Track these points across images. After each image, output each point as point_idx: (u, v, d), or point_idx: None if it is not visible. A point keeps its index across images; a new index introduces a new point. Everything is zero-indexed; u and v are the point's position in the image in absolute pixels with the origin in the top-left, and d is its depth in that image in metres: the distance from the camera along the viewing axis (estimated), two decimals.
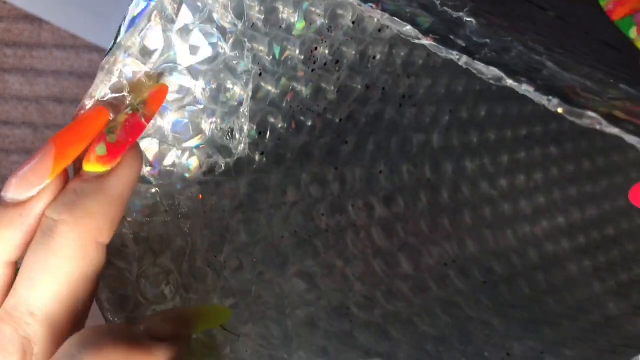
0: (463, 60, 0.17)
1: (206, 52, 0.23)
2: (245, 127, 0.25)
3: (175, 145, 0.24)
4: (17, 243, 0.21)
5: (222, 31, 0.23)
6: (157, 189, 0.24)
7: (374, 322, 0.27)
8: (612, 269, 0.38)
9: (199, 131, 0.24)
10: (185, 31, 0.22)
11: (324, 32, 0.25)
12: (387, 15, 0.17)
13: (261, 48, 0.24)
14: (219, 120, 0.24)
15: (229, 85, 0.24)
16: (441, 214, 0.33)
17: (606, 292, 0.35)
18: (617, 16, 0.20)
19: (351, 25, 0.26)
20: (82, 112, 0.21)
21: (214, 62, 0.23)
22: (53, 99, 0.42)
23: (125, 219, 0.24)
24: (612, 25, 0.23)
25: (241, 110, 0.25)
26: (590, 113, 0.16)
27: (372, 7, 0.18)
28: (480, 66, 0.17)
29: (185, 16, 0.22)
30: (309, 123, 0.27)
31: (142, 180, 0.24)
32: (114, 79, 0.21)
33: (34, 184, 0.20)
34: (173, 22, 0.21)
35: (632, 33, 0.20)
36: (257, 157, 0.26)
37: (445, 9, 0.18)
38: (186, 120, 0.24)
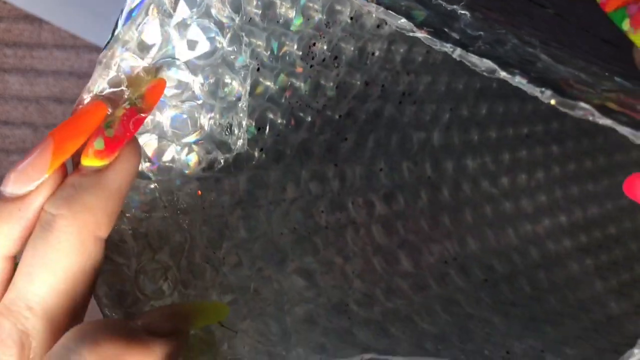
0: (457, 52, 0.17)
1: (204, 46, 0.23)
2: (244, 123, 0.25)
3: (174, 141, 0.24)
4: (15, 237, 0.21)
5: (220, 26, 0.23)
6: (156, 184, 0.24)
7: (373, 319, 0.27)
8: (614, 268, 0.38)
9: (197, 127, 0.24)
10: (182, 26, 0.22)
11: (322, 27, 0.25)
12: (382, 9, 0.17)
13: (259, 43, 0.24)
14: (217, 116, 0.24)
15: (227, 80, 0.24)
16: (441, 211, 0.33)
17: (608, 291, 0.35)
18: (610, 8, 0.20)
19: (349, 21, 0.26)
20: (81, 106, 0.21)
21: (212, 56, 0.23)
22: (53, 99, 0.42)
23: (124, 215, 0.24)
24: (610, 22, 0.23)
25: (239, 105, 0.25)
26: (582, 104, 0.16)
27: (367, 0, 0.18)
28: (473, 58, 0.17)
29: (183, 10, 0.22)
30: (308, 119, 0.27)
31: (141, 175, 0.24)
32: (112, 73, 0.21)
33: (32, 178, 0.20)
34: (170, 16, 0.21)
35: (625, 25, 0.20)
36: (256, 154, 0.26)
37: (440, 1, 0.18)
38: (185, 116, 0.24)
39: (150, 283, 0.23)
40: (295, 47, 0.25)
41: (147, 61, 0.22)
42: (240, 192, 0.26)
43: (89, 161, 0.21)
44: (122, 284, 0.23)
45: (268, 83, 0.25)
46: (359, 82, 0.28)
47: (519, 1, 0.22)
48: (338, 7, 0.25)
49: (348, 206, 0.30)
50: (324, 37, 0.25)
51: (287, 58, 0.25)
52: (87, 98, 0.21)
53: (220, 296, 0.24)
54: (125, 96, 0.21)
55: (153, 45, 0.21)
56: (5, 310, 0.20)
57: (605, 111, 0.15)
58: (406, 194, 0.32)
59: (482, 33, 0.17)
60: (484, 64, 0.16)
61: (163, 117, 0.24)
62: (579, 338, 0.29)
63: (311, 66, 0.26)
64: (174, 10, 0.21)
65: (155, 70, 0.22)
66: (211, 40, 0.23)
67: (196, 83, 0.23)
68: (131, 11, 0.20)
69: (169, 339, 0.21)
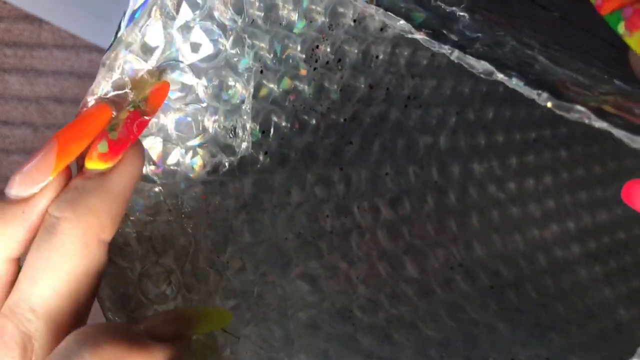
0: (455, 54, 0.17)
1: (207, 49, 0.23)
2: (248, 125, 0.25)
3: (179, 144, 0.24)
4: (19, 239, 0.21)
5: (223, 28, 0.23)
6: (160, 188, 0.24)
7: (377, 325, 0.27)
8: (623, 274, 0.37)
9: (202, 129, 0.24)
10: (186, 28, 0.22)
11: (325, 30, 0.25)
12: (381, 10, 0.17)
13: (262, 45, 0.24)
14: (221, 118, 0.24)
15: (231, 83, 0.24)
16: (448, 216, 0.33)
17: (617, 298, 0.35)
18: (606, 11, 0.20)
19: (352, 23, 0.26)
20: (85, 109, 0.21)
21: (215, 59, 0.23)
22: (53, 99, 0.42)
23: (128, 218, 0.24)
24: None
25: (243, 107, 0.25)
26: (578, 107, 0.15)
27: (367, 2, 0.18)
28: (471, 60, 0.17)
29: (185, 13, 0.22)
30: (313, 122, 0.27)
31: (146, 179, 0.24)
32: (116, 76, 0.21)
33: (36, 181, 0.20)
34: (173, 18, 0.21)
35: (620, 28, 0.19)
36: (261, 157, 0.26)
37: (439, 3, 0.18)
38: (189, 119, 0.24)
39: (154, 287, 0.23)
40: (299, 49, 0.25)
41: (150, 64, 0.22)
42: (245, 196, 0.26)
43: (93, 164, 0.21)
44: (126, 287, 0.23)
45: (272, 86, 0.25)
46: (363, 85, 0.28)
47: (521, 3, 0.22)
48: (341, 10, 0.25)
49: (353, 210, 0.30)
50: (327, 40, 0.25)
51: (291, 61, 0.25)
52: (91, 100, 0.21)
53: (224, 301, 0.24)
54: (130, 98, 0.21)
55: (156, 47, 0.21)
56: (8, 312, 0.20)
57: (601, 114, 0.15)
58: (412, 199, 0.32)
59: (480, 35, 0.17)
60: (481, 65, 0.16)
61: (167, 120, 0.24)
62: (586, 345, 0.29)
63: (315, 69, 0.26)
64: (177, 13, 0.21)
65: (159, 72, 0.22)
66: (214, 42, 0.23)
67: (200, 86, 0.23)
68: (134, 12, 0.20)
69: (171, 344, 0.21)
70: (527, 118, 0.36)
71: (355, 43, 0.27)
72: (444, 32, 0.17)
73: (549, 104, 0.16)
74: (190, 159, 0.25)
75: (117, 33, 0.21)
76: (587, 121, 0.16)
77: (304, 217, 0.28)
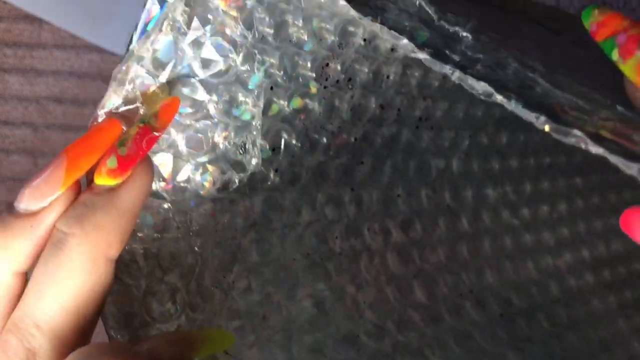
0: (456, 75, 0.17)
1: (218, 65, 0.23)
2: (258, 141, 0.25)
3: (189, 160, 0.24)
4: (27, 253, 0.21)
5: (233, 44, 0.23)
6: (169, 204, 0.24)
7: (383, 351, 0.26)
8: (638, 306, 0.36)
9: (212, 146, 0.24)
10: (197, 44, 0.22)
11: (335, 48, 0.25)
12: (385, 28, 0.17)
13: (272, 61, 0.24)
14: (232, 135, 0.24)
15: (241, 99, 0.24)
16: (460, 241, 0.32)
17: (631, 330, 0.34)
18: (600, 37, 0.20)
19: (362, 43, 0.26)
20: (95, 123, 0.21)
21: (226, 75, 0.23)
22: (53, 99, 0.42)
23: (136, 234, 0.23)
24: None
25: (253, 124, 0.24)
26: (575, 131, 0.15)
27: (372, 20, 0.18)
28: (471, 81, 0.16)
29: (196, 28, 0.22)
30: (324, 141, 0.27)
31: (156, 195, 0.24)
32: (127, 90, 0.21)
33: (45, 195, 0.20)
34: (185, 34, 0.21)
35: (614, 55, 0.19)
36: (271, 175, 0.26)
37: (442, 23, 0.18)
38: (200, 135, 0.24)
39: (158, 305, 0.23)
40: (309, 67, 0.25)
41: (161, 79, 0.22)
42: (255, 215, 0.26)
43: (101, 180, 0.21)
44: (131, 305, 0.23)
45: (282, 103, 0.25)
46: (374, 105, 0.28)
47: (530, 28, 0.22)
48: (351, 29, 0.25)
49: (364, 232, 0.29)
50: (337, 59, 0.25)
51: (301, 79, 0.25)
52: (101, 115, 0.21)
53: (228, 321, 0.24)
54: (141, 112, 0.21)
55: (168, 62, 0.22)
56: (13, 327, 0.20)
57: (597, 139, 0.15)
58: (424, 221, 0.31)
59: (482, 56, 0.17)
60: (481, 86, 0.16)
61: (178, 136, 0.23)
62: None
63: (325, 87, 0.26)
64: (188, 28, 0.21)
65: (169, 87, 0.22)
66: (225, 58, 0.23)
67: (211, 102, 0.23)
68: (146, 25, 0.21)
69: None
70: (542, 143, 0.36)
71: (365, 62, 0.26)
72: (447, 52, 0.17)
73: (546, 128, 0.16)
74: (200, 176, 0.25)
75: (128, 46, 0.21)
76: (583, 146, 0.16)
77: (313, 237, 0.28)
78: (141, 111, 0.21)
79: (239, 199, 0.26)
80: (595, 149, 0.16)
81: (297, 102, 0.26)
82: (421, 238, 0.31)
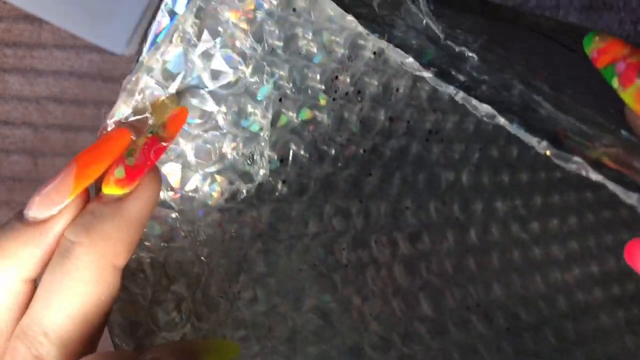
0: (460, 95, 0.17)
1: (228, 76, 0.23)
2: (266, 152, 0.25)
3: (197, 170, 0.24)
4: (36, 261, 0.21)
5: (243, 55, 0.23)
6: (177, 214, 0.24)
7: None
8: None
9: (220, 156, 0.24)
10: (206, 55, 0.22)
11: (345, 61, 0.25)
12: (391, 46, 0.17)
13: (281, 73, 0.24)
14: (240, 145, 0.24)
15: (250, 110, 0.24)
16: (467, 254, 0.32)
17: (638, 347, 0.34)
18: (601, 64, 0.19)
19: (372, 56, 0.26)
20: (105, 132, 0.21)
21: (235, 86, 0.23)
22: (53, 99, 0.42)
23: (143, 243, 0.24)
24: None
25: (262, 135, 0.25)
26: (576, 158, 0.15)
27: (379, 37, 0.18)
28: (475, 102, 0.16)
29: (206, 39, 0.22)
30: (332, 153, 0.27)
31: (163, 204, 0.24)
32: (137, 101, 0.21)
33: (55, 202, 0.21)
34: (195, 45, 0.22)
35: (614, 82, 0.19)
36: (279, 186, 0.26)
37: (449, 42, 0.18)
38: (208, 145, 0.24)
39: (164, 314, 0.23)
40: (318, 79, 0.25)
41: (171, 90, 0.22)
42: (262, 225, 0.26)
43: (109, 189, 0.21)
44: (136, 314, 0.23)
45: (291, 114, 0.25)
46: (383, 118, 0.28)
47: (542, 44, 0.22)
48: (361, 42, 0.25)
49: (371, 244, 0.29)
50: (346, 71, 0.25)
51: (310, 91, 0.25)
52: (110, 124, 0.21)
53: (233, 331, 0.24)
54: (150, 122, 0.21)
55: (177, 74, 0.22)
56: (21, 334, 0.20)
57: (597, 167, 0.15)
58: (432, 234, 0.31)
59: (487, 77, 0.17)
60: (484, 109, 0.16)
61: (187, 146, 0.24)
62: None
63: (334, 99, 0.26)
64: (198, 39, 0.21)
65: (178, 98, 0.22)
66: (235, 70, 0.23)
67: (220, 113, 0.23)
68: (156, 36, 0.21)
69: None
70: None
71: (375, 75, 0.26)
72: (452, 72, 0.17)
73: (547, 153, 0.16)
74: (208, 186, 0.25)
75: (138, 57, 0.21)
76: (584, 173, 0.16)
77: (320, 248, 0.28)
78: (150, 121, 0.21)
79: (247, 209, 0.26)
80: (595, 176, 0.15)
81: (306, 114, 0.26)
82: (429, 251, 0.31)
